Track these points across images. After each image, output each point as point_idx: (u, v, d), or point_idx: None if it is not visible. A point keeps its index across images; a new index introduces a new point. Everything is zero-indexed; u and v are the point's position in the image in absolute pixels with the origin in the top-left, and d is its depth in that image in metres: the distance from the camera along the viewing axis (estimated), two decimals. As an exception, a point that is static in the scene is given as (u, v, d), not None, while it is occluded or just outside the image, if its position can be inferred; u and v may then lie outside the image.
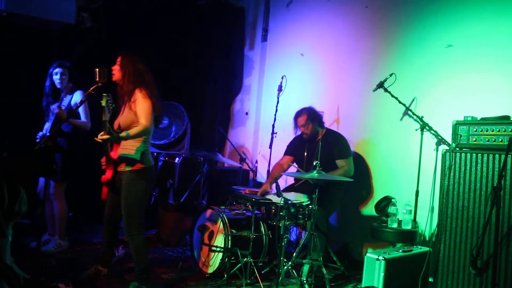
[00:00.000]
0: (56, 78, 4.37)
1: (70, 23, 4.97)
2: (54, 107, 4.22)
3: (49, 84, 4.40)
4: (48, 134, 4.27)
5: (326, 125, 4.70)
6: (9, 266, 2.39)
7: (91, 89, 3.44)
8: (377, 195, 4.44)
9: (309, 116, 4.46)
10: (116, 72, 3.49)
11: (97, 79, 3.39)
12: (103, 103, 3.14)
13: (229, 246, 3.85)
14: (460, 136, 3.40)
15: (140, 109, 3.37)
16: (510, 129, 3.19)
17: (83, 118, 4.41)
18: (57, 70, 4.37)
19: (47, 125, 4.45)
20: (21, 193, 2.49)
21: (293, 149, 4.78)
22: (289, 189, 4.64)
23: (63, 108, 4.23)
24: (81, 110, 4.41)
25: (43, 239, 4.55)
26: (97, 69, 3.38)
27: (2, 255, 2.37)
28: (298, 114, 4.53)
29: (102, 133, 3.18)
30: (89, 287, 3.56)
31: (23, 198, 2.51)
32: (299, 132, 4.67)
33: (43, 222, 4.53)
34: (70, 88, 4.40)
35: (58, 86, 4.40)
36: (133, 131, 3.33)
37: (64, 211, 4.48)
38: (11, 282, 2.30)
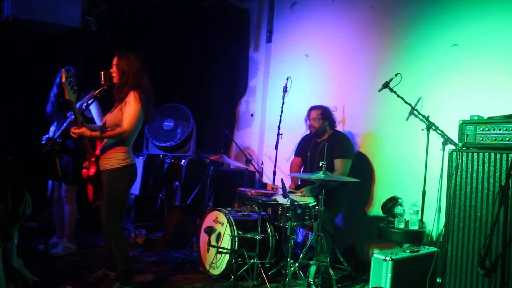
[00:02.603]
0: None
1: (75, 27, 5.00)
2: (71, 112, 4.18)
3: (56, 93, 4.41)
4: (56, 136, 4.29)
5: (332, 126, 4.71)
6: (16, 268, 2.40)
7: (96, 92, 3.45)
8: (384, 196, 4.42)
9: (323, 112, 4.57)
10: (116, 74, 3.44)
11: (102, 81, 3.40)
12: (63, 79, 3.12)
13: (236, 248, 3.85)
14: (467, 135, 3.38)
15: (127, 112, 3.35)
16: (517, 128, 3.17)
17: (98, 123, 4.43)
18: None
19: (53, 128, 4.47)
20: (25, 196, 2.50)
21: (300, 150, 4.86)
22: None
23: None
24: (95, 116, 4.43)
25: (51, 242, 4.57)
26: (102, 72, 3.40)
27: (8, 257, 2.38)
28: (314, 107, 4.65)
29: (75, 128, 3.23)
30: (97, 289, 3.58)
31: (27, 201, 2.53)
32: (307, 132, 4.71)
33: (50, 225, 4.56)
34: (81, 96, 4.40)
35: None
36: (109, 133, 3.34)
37: (74, 214, 4.51)
38: (18, 284, 2.32)
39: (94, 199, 3.57)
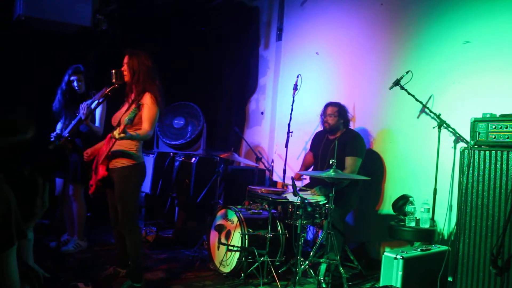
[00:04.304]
0: (74, 85, 4.42)
1: (86, 26, 5.03)
2: (83, 106, 4.11)
3: (63, 90, 4.44)
4: (65, 134, 4.31)
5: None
6: (31, 267, 2.42)
7: (107, 90, 3.47)
8: (395, 194, 4.39)
9: (339, 110, 4.53)
10: (127, 73, 3.46)
11: (114, 80, 3.42)
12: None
13: (246, 246, 3.86)
14: (479, 133, 3.34)
15: (146, 114, 3.38)
16: (530, 126, 3.14)
17: (97, 123, 4.45)
18: (73, 77, 4.41)
19: (60, 125, 4.51)
20: (46, 186, 2.52)
21: (312, 146, 4.86)
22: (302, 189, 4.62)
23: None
24: (97, 115, 4.45)
25: (63, 239, 4.62)
26: (113, 70, 3.42)
27: (22, 256, 2.40)
28: (331, 103, 4.59)
29: (118, 130, 3.09)
30: (108, 287, 3.60)
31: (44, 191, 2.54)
32: (320, 128, 4.72)
33: (62, 222, 4.60)
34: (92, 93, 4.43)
35: (78, 92, 4.46)
36: (136, 134, 3.32)
37: (82, 212, 4.54)
38: (33, 284, 2.33)
39: (93, 195, 3.54)
